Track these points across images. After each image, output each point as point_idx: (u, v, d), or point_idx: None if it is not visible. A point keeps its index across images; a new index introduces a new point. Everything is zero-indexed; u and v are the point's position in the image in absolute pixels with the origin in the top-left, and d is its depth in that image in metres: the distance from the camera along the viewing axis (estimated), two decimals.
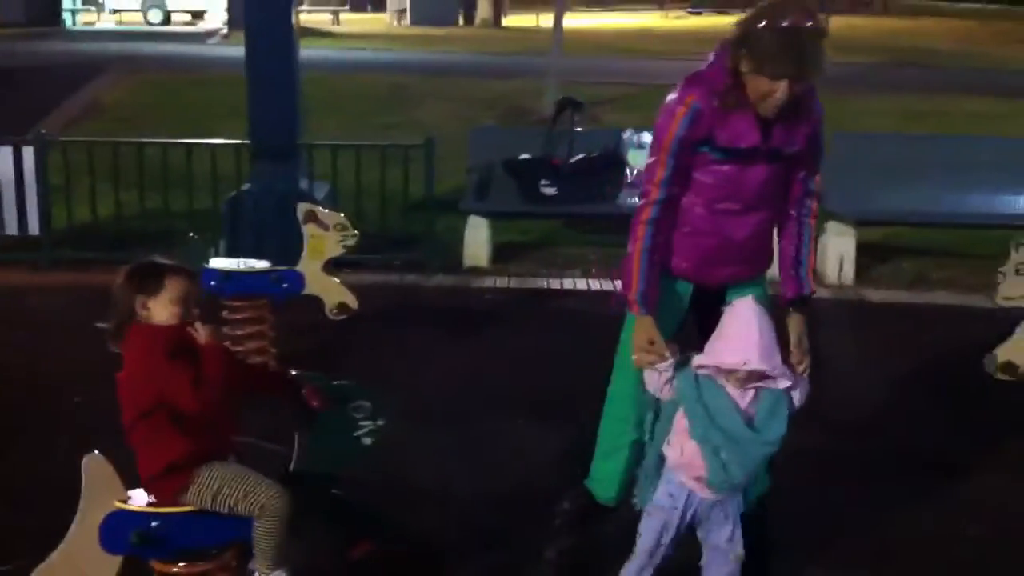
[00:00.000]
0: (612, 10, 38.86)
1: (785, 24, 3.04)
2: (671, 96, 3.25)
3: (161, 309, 3.03)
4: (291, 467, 3.19)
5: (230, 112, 11.61)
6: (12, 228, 7.52)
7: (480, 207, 7.43)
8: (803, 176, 3.39)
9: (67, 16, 31.28)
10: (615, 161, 7.48)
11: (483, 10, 34.04)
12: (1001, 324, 5.03)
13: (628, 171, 7.47)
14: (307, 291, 5.45)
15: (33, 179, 7.50)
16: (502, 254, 7.65)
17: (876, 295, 7.04)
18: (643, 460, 3.36)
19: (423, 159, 7.40)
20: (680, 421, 3.18)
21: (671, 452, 3.21)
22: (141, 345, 2.99)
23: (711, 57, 3.26)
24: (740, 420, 3.08)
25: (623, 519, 3.45)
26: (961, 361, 5.25)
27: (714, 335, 3.15)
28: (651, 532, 3.25)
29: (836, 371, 5.11)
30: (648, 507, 3.27)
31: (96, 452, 2.98)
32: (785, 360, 3.13)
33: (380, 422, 3.22)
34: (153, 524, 2.95)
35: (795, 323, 3.34)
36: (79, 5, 32.68)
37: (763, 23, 3.06)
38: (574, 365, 5.30)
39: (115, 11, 33.51)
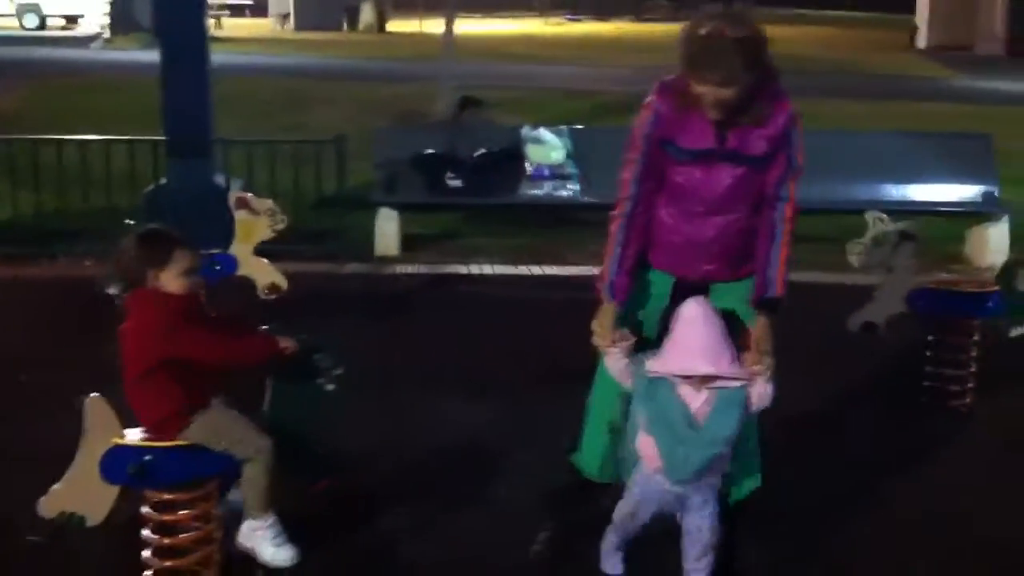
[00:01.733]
0: (493, 16, 39.50)
1: (703, 32, 3.24)
2: (646, 99, 3.48)
3: (171, 280, 3.39)
4: (264, 409, 3.66)
5: (135, 114, 11.87)
6: None
7: (390, 199, 7.91)
8: (773, 180, 3.47)
9: None
10: (514, 155, 8.05)
11: (367, 15, 34.36)
12: (863, 295, 5.71)
13: (527, 165, 8.04)
14: (240, 273, 5.86)
15: None
16: (410, 244, 8.13)
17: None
18: (625, 440, 3.54)
19: (332, 156, 7.86)
20: (639, 414, 3.37)
21: (639, 442, 3.36)
22: (153, 310, 3.37)
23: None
24: (682, 421, 3.21)
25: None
26: (832, 327, 5.88)
27: (666, 338, 3.30)
28: (625, 507, 3.47)
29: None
30: (625, 494, 3.48)
31: (97, 394, 3.40)
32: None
33: (339, 371, 3.71)
34: (147, 458, 3.38)
35: (759, 326, 3.44)
36: None
37: (685, 32, 3.31)
38: (483, 341, 5.98)
39: None
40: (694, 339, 3.22)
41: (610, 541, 3.60)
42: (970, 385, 5.18)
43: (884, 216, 5.35)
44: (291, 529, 3.62)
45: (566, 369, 4.62)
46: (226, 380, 3.61)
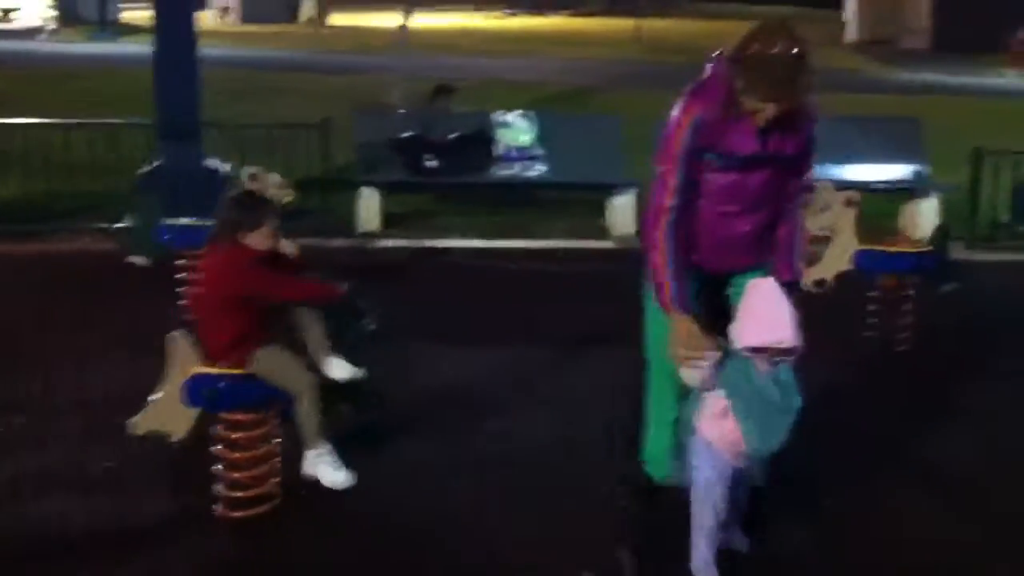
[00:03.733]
0: (433, 10, 39.96)
1: (771, 53, 3.29)
2: (675, 107, 3.50)
3: (258, 241, 4.07)
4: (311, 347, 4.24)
5: (104, 101, 12.25)
6: None
7: (372, 179, 8.46)
8: (801, 175, 3.65)
9: None
10: (485, 138, 8.65)
11: (308, 9, 34.63)
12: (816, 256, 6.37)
13: (497, 147, 8.64)
14: None
15: None
16: (390, 222, 8.68)
17: None
18: (679, 437, 3.66)
19: (306, 140, 8.36)
20: (714, 404, 3.41)
21: (711, 433, 3.43)
22: (236, 254, 4.06)
23: (707, 69, 3.52)
24: (777, 394, 3.31)
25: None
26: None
27: (743, 316, 3.35)
28: (709, 507, 3.50)
29: None
30: (697, 487, 3.51)
31: (179, 332, 3.96)
32: None
33: (379, 313, 4.33)
34: (221, 384, 3.94)
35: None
36: None
37: (752, 50, 3.32)
38: (463, 303, 6.71)
39: None
40: (780, 314, 3.30)
41: (703, 552, 3.57)
42: (907, 333, 5.91)
43: (830, 184, 6.06)
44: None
45: (538, 325, 6.23)
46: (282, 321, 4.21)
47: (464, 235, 8.47)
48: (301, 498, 4.16)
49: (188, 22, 8.27)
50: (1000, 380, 5.66)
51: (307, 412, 4.06)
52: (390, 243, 8.25)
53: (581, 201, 9.31)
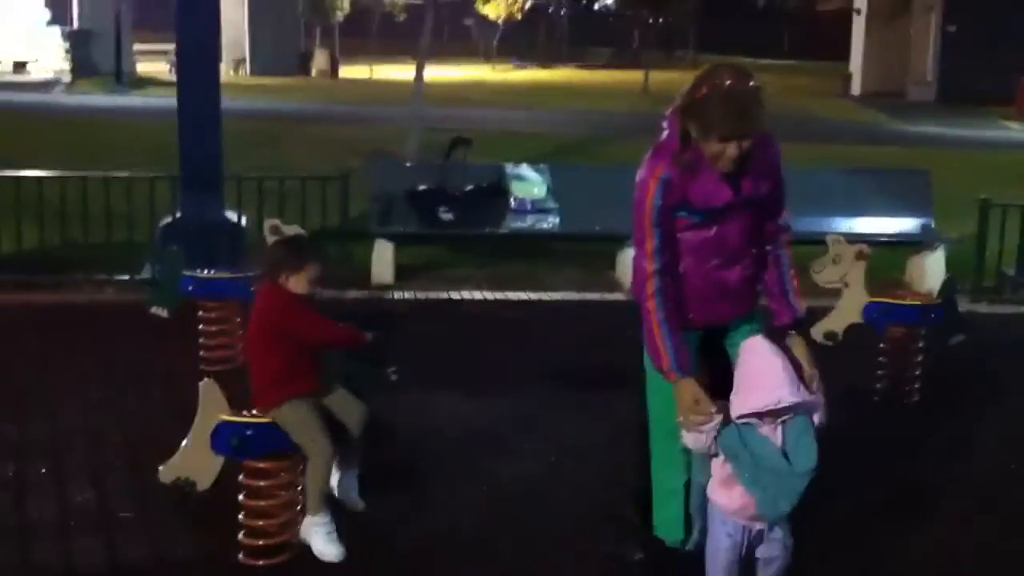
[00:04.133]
0: (442, 63, 40.45)
1: (723, 89, 3.28)
2: (640, 172, 3.47)
3: (297, 284, 4.12)
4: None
5: (118, 153, 12.44)
6: None
7: (387, 231, 8.60)
8: (776, 214, 3.62)
9: None
10: (500, 191, 8.80)
11: (320, 61, 35.10)
12: (820, 310, 6.48)
13: (511, 199, 8.79)
14: None
15: None
16: (403, 274, 8.81)
17: None
18: (692, 499, 3.64)
19: (319, 192, 8.51)
20: (721, 470, 3.38)
21: (722, 499, 3.40)
22: (278, 301, 4.15)
23: (664, 127, 3.50)
24: (782, 459, 3.25)
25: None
26: None
27: (738, 381, 3.30)
28: (722, 572, 3.46)
29: None
30: (710, 551, 3.48)
31: (209, 378, 4.06)
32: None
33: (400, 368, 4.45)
34: (248, 432, 4.04)
35: (798, 344, 3.55)
36: None
37: (703, 91, 3.31)
38: (474, 352, 6.85)
39: None
40: (774, 372, 3.25)
41: None
42: (917, 384, 6.00)
43: (841, 238, 6.18)
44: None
45: (547, 372, 6.36)
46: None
47: (477, 287, 8.58)
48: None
49: (212, 75, 8.47)
50: (1009, 432, 5.74)
51: (313, 477, 4.08)
52: (403, 295, 8.36)
53: (593, 253, 9.44)
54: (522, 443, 5.35)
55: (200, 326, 6.30)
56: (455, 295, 8.41)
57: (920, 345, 6.01)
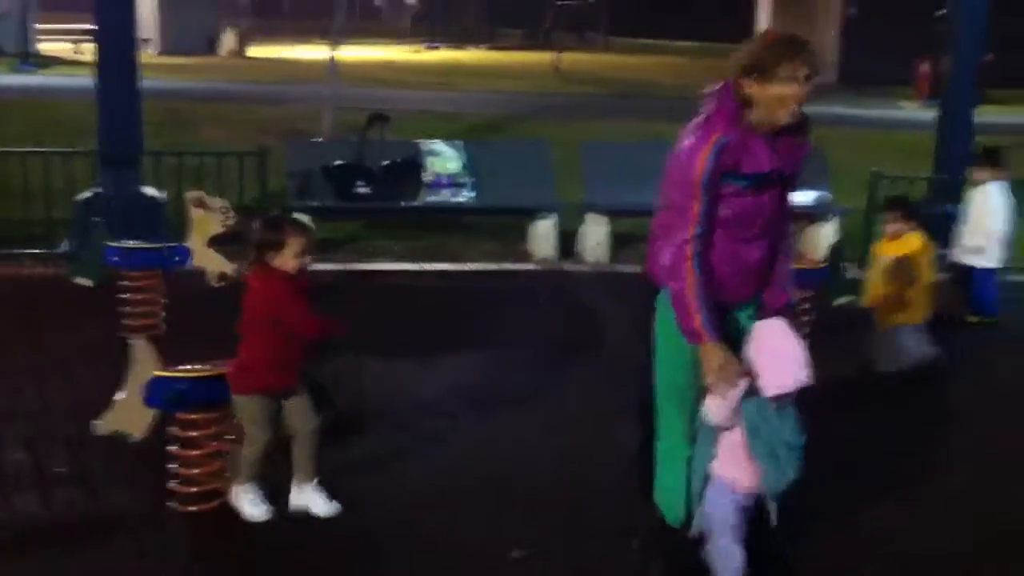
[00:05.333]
0: (353, 43, 40.33)
1: (784, 36, 3.53)
2: (687, 142, 3.54)
3: (284, 261, 4.13)
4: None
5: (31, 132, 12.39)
6: None
7: (304, 205, 8.81)
8: (788, 196, 3.73)
9: None
10: (416, 166, 9.07)
11: (229, 41, 34.76)
12: None
13: (427, 174, 9.07)
14: (195, 263, 6.70)
15: None
16: (321, 247, 8.99)
17: (626, 269, 8.94)
18: (693, 483, 3.69)
19: (236, 168, 8.69)
20: (733, 442, 3.48)
21: (735, 474, 3.51)
22: (266, 283, 4.16)
23: (711, 106, 3.57)
24: (793, 433, 3.42)
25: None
26: None
27: (764, 361, 3.41)
28: (734, 550, 3.56)
29: (602, 321, 7.05)
30: (719, 529, 3.57)
31: (142, 339, 4.29)
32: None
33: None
34: (180, 386, 4.27)
35: None
36: None
37: (765, 41, 3.54)
38: (394, 319, 7.08)
39: None
40: (795, 354, 3.41)
41: None
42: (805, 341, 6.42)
43: None
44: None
45: (464, 337, 6.67)
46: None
47: (394, 259, 8.84)
48: None
49: (130, 53, 8.59)
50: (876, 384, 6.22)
51: (244, 455, 4.26)
52: (322, 266, 8.57)
53: (506, 225, 9.77)
54: (458, 407, 5.62)
55: (123, 295, 6.48)
56: (374, 267, 8.67)
57: (807, 307, 6.44)
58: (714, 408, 3.46)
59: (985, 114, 9.73)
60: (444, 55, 39.28)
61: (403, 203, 9.00)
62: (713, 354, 3.48)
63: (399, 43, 42.60)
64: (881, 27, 29.27)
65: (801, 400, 3.54)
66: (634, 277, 8.55)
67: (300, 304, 4.18)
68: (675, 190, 3.57)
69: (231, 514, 4.34)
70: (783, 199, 3.68)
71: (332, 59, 15.10)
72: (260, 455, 4.27)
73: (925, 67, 25.61)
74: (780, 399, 3.41)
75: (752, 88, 3.48)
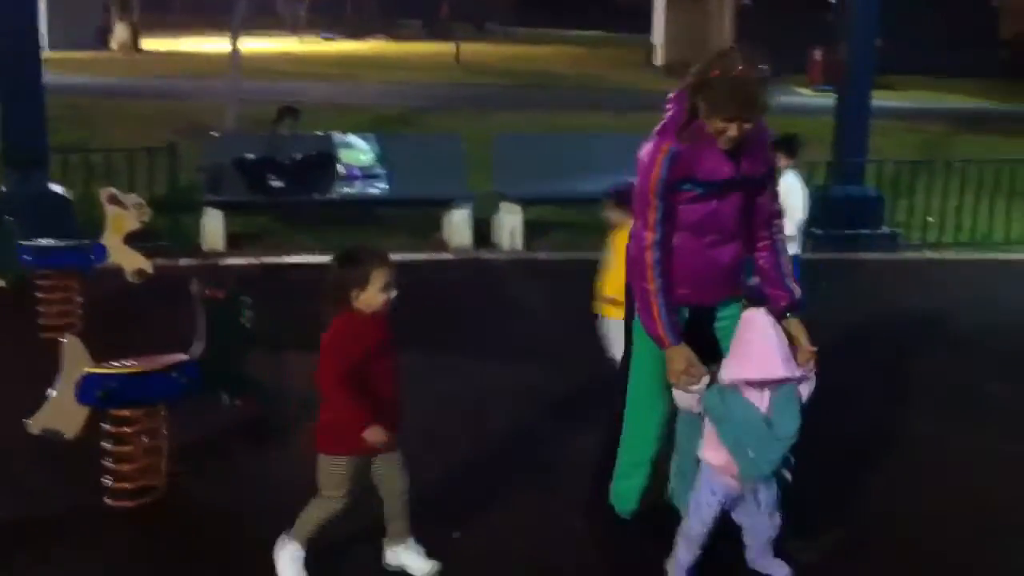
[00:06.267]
0: (249, 35, 39.80)
1: (734, 73, 3.47)
2: (645, 148, 3.63)
3: (371, 298, 3.59)
4: (200, 349, 4.57)
5: None
6: None
7: (217, 199, 8.75)
8: (768, 197, 3.81)
9: None
10: (329, 159, 9.06)
11: (120, 34, 34.00)
12: None
13: (340, 167, 9.07)
14: (111, 260, 6.61)
15: None
16: (234, 241, 8.96)
17: (541, 256, 9.09)
18: (678, 465, 3.87)
19: (145, 165, 8.57)
20: (711, 430, 3.57)
21: (712, 457, 3.59)
22: (345, 331, 3.62)
23: (668, 107, 3.69)
24: (763, 423, 3.45)
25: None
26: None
27: (735, 347, 3.49)
28: (700, 525, 3.66)
29: (522, 307, 7.18)
30: (694, 505, 3.68)
31: (72, 335, 4.26)
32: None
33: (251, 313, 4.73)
34: (112, 384, 4.25)
35: (796, 327, 3.72)
36: None
37: (715, 72, 3.50)
38: (306, 313, 6.89)
39: None
40: (769, 346, 3.44)
41: (681, 558, 3.75)
42: None
43: None
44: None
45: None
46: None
47: (308, 252, 8.82)
48: (184, 488, 4.51)
49: (34, 51, 8.42)
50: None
51: (310, 515, 3.80)
52: (236, 261, 8.53)
53: (421, 217, 9.82)
54: None
55: (38, 294, 6.38)
56: (287, 260, 8.64)
57: None
58: (682, 400, 3.62)
59: (876, 99, 10.00)
60: (342, 46, 38.98)
61: (316, 196, 8.99)
62: (677, 356, 3.57)
63: (295, 35, 42.15)
64: (775, 16, 29.90)
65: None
66: (549, 263, 8.82)
67: (387, 358, 3.73)
68: (636, 197, 3.67)
69: (166, 510, 4.35)
70: (751, 203, 3.75)
71: (234, 52, 14.95)
72: (323, 519, 3.79)
73: (817, 55, 26.32)
74: (752, 389, 3.46)
75: (700, 108, 3.56)
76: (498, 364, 6.23)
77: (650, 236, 3.60)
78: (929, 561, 4.17)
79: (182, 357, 4.51)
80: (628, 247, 3.75)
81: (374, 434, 3.59)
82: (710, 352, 3.69)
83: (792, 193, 6.88)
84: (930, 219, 9.86)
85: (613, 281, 4.71)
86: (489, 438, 5.20)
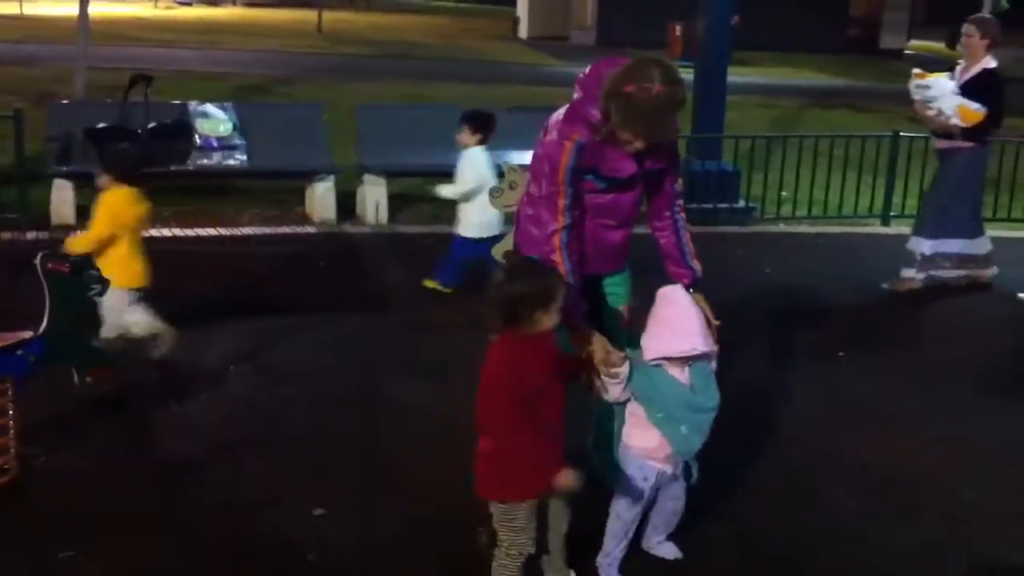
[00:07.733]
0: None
1: (648, 94, 3.39)
2: (554, 130, 3.62)
3: (549, 319, 3.26)
4: (44, 324, 4.41)
5: None
6: None
7: (67, 171, 8.42)
8: (672, 182, 3.90)
9: None
10: (184, 128, 8.79)
11: None
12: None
13: (196, 137, 8.81)
14: None
15: None
16: (84, 214, 8.62)
17: (406, 229, 9.02)
18: (606, 451, 3.79)
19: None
20: (636, 414, 3.55)
21: (640, 442, 3.56)
22: (519, 356, 3.22)
23: (578, 90, 3.68)
24: (687, 397, 3.46)
25: None
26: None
27: (654, 325, 3.48)
28: (630, 510, 3.61)
29: (392, 282, 7.12)
30: (621, 490, 3.61)
31: None
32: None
33: (102, 285, 4.58)
34: None
35: (700, 300, 3.75)
36: None
37: (630, 88, 3.42)
38: (171, 285, 6.63)
39: None
40: (688, 321, 3.45)
41: (611, 551, 3.69)
42: None
43: (516, 167, 6.70)
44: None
45: (249, 303, 6.62)
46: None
47: (164, 224, 8.58)
48: (37, 470, 4.37)
49: None
50: None
51: (497, 570, 3.45)
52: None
53: (281, 189, 9.63)
54: (244, 372, 5.56)
55: None
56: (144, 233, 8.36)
57: None
58: (615, 392, 3.53)
59: (732, 74, 10.22)
60: (198, 12, 38.04)
61: (172, 167, 8.72)
62: (597, 342, 3.54)
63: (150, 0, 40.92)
64: None
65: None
66: (414, 236, 8.78)
67: (558, 382, 3.34)
68: (540, 180, 3.68)
69: (18, 489, 4.21)
70: (650, 192, 3.86)
71: (83, 15, 14.37)
72: (512, 571, 3.42)
73: (677, 30, 26.77)
74: (674, 364, 3.45)
75: (612, 115, 3.52)
76: (365, 338, 6.20)
77: (559, 221, 3.64)
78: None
79: (27, 334, 4.35)
80: (528, 228, 3.75)
81: (568, 478, 3.22)
82: (597, 318, 3.77)
83: (469, 167, 6.80)
84: (784, 194, 10.13)
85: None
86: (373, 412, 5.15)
